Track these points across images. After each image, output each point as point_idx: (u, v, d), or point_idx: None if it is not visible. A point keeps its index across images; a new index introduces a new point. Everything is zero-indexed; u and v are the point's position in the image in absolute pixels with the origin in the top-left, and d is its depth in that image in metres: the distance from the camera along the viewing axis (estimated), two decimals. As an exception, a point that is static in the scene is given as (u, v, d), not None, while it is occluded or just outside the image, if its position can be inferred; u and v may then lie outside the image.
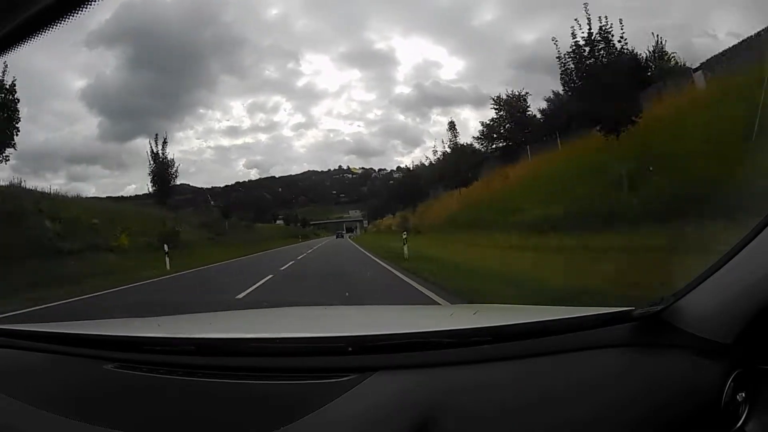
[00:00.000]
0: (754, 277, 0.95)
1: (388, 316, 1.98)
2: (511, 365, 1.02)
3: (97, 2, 0.67)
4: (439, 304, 5.53)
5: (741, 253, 0.98)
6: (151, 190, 24.07)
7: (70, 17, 0.68)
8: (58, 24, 0.69)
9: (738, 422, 0.95)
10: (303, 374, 1.07)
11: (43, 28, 0.71)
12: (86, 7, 0.67)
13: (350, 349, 1.08)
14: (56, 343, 1.33)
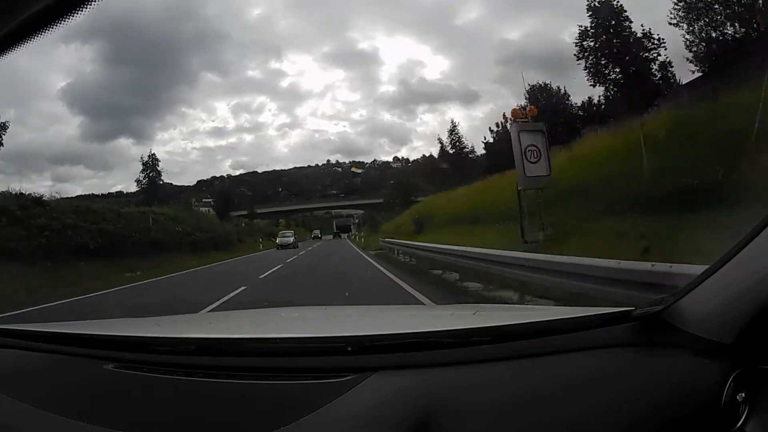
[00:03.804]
0: (754, 277, 0.95)
1: (387, 316, 1.98)
2: (511, 365, 1.02)
3: (96, 3, 0.66)
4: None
5: (741, 253, 0.98)
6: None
7: (69, 18, 0.68)
8: (57, 25, 0.69)
9: (738, 422, 0.95)
10: (303, 374, 1.07)
11: (42, 29, 0.70)
12: (85, 8, 0.67)
13: (350, 349, 1.08)
14: (56, 343, 1.33)
